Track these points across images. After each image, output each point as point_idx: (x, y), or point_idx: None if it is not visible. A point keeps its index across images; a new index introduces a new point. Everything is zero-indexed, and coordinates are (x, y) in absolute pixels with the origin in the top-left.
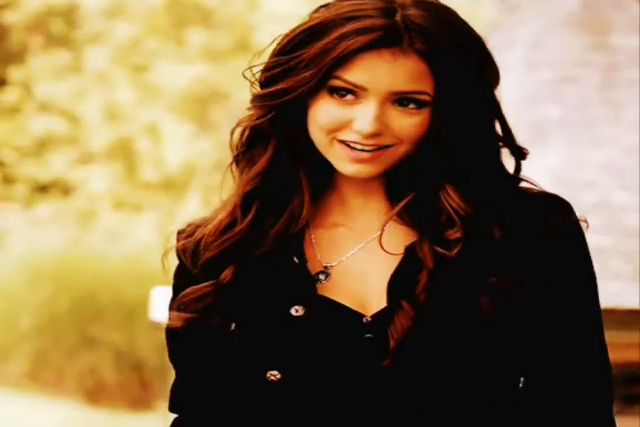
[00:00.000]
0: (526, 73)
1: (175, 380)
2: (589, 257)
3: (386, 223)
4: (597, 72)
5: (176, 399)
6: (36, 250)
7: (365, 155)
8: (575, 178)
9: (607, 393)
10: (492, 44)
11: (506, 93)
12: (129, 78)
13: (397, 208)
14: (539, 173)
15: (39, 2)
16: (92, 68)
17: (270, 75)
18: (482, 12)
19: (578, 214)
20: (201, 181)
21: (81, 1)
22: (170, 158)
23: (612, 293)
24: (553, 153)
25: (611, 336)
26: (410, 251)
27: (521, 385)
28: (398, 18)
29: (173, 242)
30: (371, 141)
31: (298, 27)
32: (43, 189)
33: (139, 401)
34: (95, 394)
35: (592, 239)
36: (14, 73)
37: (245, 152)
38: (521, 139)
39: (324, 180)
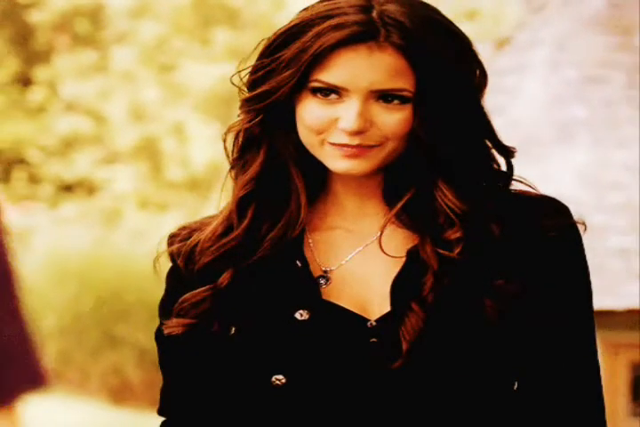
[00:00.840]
0: (552, 73)
1: (165, 384)
2: (585, 261)
3: (385, 225)
4: (622, 72)
5: (167, 404)
6: (62, 249)
7: (355, 150)
8: (600, 178)
9: (598, 394)
10: (518, 44)
11: (531, 93)
12: (155, 78)
13: (395, 210)
14: (564, 174)
15: (65, 1)
16: (117, 68)
17: (255, 78)
18: (508, 12)
19: (576, 217)
20: (226, 180)
21: (107, 0)
22: (195, 158)
23: (637, 293)
24: (578, 153)
25: (634, 338)
26: (412, 254)
27: (515, 386)
28: (375, 13)
29: (164, 246)
30: (357, 140)
31: (279, 29)
32: (68, 188)
33: None
34: (119, 393)
35: (616, 240)
36: (40, 73)
37: (240, 157)
38: (546, 139)
39: (318, 182)
